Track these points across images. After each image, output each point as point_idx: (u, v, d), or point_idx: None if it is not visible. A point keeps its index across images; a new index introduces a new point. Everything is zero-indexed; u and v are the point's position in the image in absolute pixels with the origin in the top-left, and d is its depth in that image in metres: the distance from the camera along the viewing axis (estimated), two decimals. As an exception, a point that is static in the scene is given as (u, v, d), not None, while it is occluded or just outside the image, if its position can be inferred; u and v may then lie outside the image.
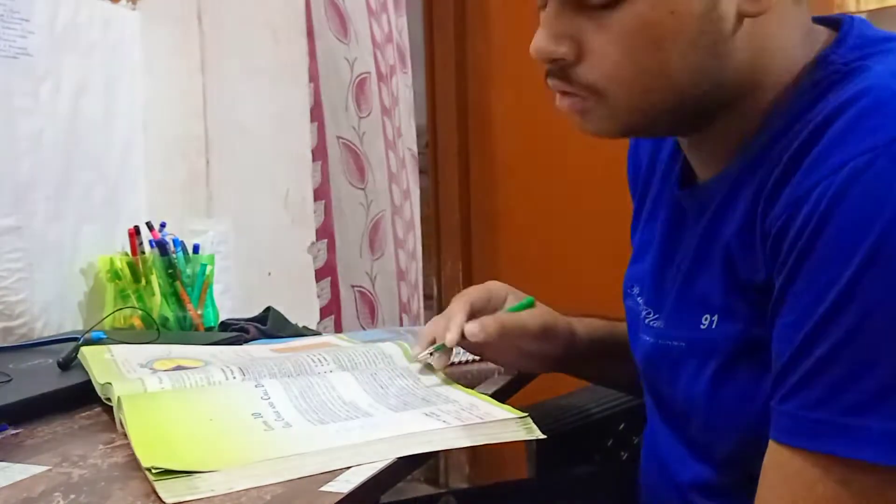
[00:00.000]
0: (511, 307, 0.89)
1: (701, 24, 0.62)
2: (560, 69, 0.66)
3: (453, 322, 0.84)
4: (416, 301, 2.09)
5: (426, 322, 2.21)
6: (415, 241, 2.10)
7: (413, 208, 2.10)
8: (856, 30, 0.66)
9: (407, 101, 2.11)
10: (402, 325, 1.90)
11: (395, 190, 1.96)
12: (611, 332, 0.94)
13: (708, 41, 0.63)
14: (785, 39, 0.66)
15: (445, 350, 0.85)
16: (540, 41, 0.66)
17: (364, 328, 1.75)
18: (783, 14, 0.65)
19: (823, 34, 0.68)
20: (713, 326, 0.67)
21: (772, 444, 0.60)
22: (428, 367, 0.86)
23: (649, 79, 0.64)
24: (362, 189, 1.79)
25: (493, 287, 0.91)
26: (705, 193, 0.71)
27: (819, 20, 0.69)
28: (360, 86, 1.81)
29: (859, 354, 0.54)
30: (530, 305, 0.90)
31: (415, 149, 2.17)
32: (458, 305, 0.86)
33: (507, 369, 0.95)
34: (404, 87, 2.09)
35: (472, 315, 0.86)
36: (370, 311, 1.82)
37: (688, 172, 0.76)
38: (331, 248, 1.65)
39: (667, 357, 0.73)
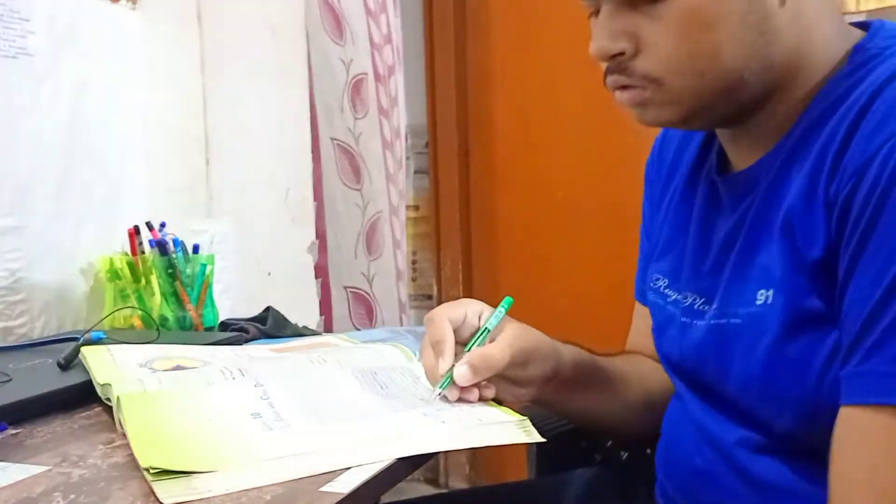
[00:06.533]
0: (494, 318, 0.80)
1: (747, 5, 0.66)
2: (618, 64, 0.71)
3: (446, 349, 0.77)
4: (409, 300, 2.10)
5: (415, 320, 2.20)
6: (404, 241, 2.11)
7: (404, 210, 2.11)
8: (887, 27, 0.71)
9: (402, 103, 2.11)
10: (402, 325, 1.90)
11: (393, 191, 1.96)
12: (594, 363, 0.89)
13: (755, 19, 0.67)
14: (823, 27, 0.70)
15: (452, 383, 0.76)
16: (600, 40, 0.70)
17: (358, 328, 1.74)
18: (819, 3, 0.69)
19: (855, 32, 0.72)
20: (769, 302, 0.68)
21: (847, 411, 0.60)
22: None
23: (704, 62, 0.68)
24: (358, 190, 1.79)
25: (470, 308, 0.82)
26: (750, 177, 0.74)
27: (850, 24, 0.74)
28: (357, 87, 1.81)
29: None
30: (508, 306, 0.82)
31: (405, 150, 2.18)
32: (441, 327, 0.78)
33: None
34: (399, 89, 2.09)
35: (456, 330, 0.80)
36: (367, 312, 1.82)
37: (723, 161, 0.79)
38: (322, 248, 1.65)
39: (720, 337, 0.74)
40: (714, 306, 0.76)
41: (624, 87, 0.72)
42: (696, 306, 0.78)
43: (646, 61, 0.69)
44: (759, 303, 0.69)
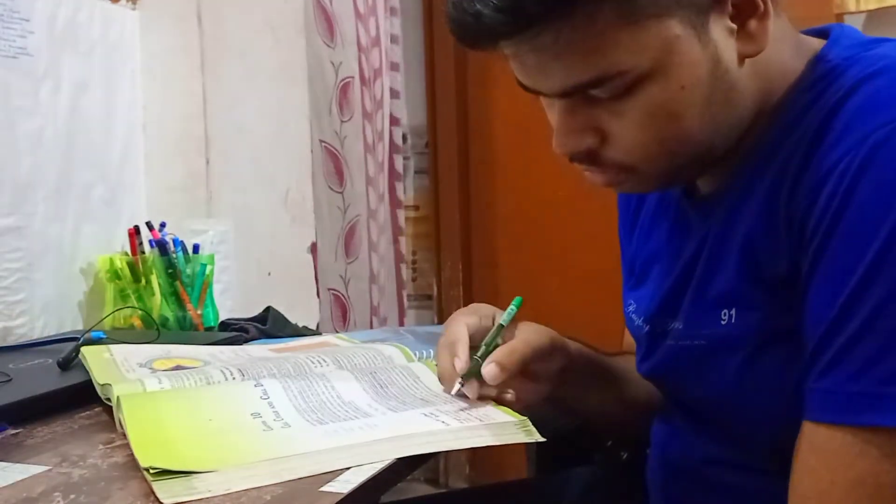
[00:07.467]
0: (507, 315, 0.82)
1: (711, 84, 0.65)
2: (585, 156, 0.69)
3: (460, 349, 0.77)
4: (391, 304, 2.10)
5: (415, 320, 2.18)
6: (387, 243, 2.10)
7: (387, 212, 2.11)
8: (846, 33, 0.69)
9: (387, 106, 2.11)
10: (373, 327, 1.91)
11: (372, 193, 1.97)
12: (599, 359, 0.91)
13: (721, 94, 0.65)
14: (780, 55, 0.68)
15: (471, 378, 0.77)
16: (563, 140, 0.68)
17: (336, 331, 1.75)
18: (773, 35, 0.67)
19: (813, 43, 0.70)
20: (732, 321, 0.68)
21: (807, 426, 0.59)
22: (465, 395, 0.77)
23: (675, 146, 0.66)
24: (340, 193, 1.80)
25: (482, 307, 0.85)
26: (714, 200, 0.73)
27: (806, 32, 0.72)
28: (344, 89, 1.81)
29: (894, 323, 0.54)
30: (519, 305, 0.84)
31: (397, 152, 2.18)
32: (457, 329, 0.80)
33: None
34: (385, 92, 2.09)
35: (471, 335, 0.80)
36: (342, 314, 1.83)
37: (691, 185, 0.78)
38: (313, 250, 1.66)
39: (689, 357, 0.73)
40: (679, 327, 0.75)
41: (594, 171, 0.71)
42: (666, 328, 0.78)
43: (615, 152, 0.67)
44: (723, 322, 0.69)
